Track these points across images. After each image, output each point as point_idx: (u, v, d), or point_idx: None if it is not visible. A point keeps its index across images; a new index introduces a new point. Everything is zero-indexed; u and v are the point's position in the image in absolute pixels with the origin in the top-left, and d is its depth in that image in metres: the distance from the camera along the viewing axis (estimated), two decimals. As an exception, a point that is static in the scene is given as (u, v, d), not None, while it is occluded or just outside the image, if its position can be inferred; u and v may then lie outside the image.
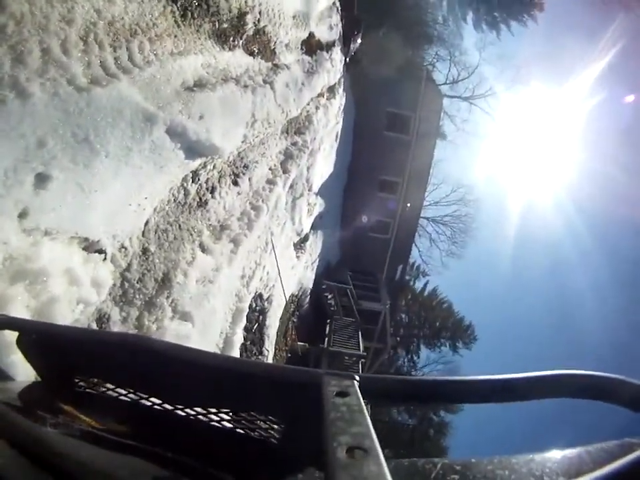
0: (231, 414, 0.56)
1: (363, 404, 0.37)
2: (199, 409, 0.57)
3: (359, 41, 11.44)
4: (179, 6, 3.27)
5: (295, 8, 5.51)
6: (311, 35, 6.59)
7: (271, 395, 0.49)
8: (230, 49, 3.96)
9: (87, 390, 0.66)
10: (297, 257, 8.55)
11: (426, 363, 23.87)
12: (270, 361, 6.70)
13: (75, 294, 1.98)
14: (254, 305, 5.89)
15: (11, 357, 1.44)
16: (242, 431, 0.56)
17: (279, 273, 6.49)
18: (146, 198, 2.81)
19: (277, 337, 7.39)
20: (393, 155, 13.11)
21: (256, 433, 0.55)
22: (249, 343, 5.78)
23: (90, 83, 2.22)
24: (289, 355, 9.14)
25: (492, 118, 21.44)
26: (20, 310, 1.73)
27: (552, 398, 0.43)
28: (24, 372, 1.33)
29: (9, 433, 0.43)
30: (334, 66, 8.14)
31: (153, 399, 0.59)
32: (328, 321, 10.59)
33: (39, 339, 0.62)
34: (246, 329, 5.51)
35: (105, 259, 2.48)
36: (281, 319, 7.52)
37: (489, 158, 21.14)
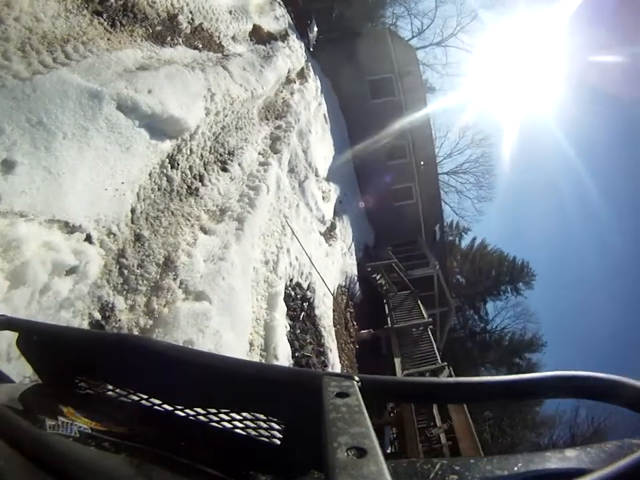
0: (231, 414, 0.56)
1: (363, 404, 0.37)
2: (199, 410, 0.57)
3: (315, 29, 11.65)
4: (105, 17, 3.50)
5: (227, 3, 5.71)
6: (257, 26, 6.78)
7: (271, 396, 0.49)
8: (171, 46, 4.14)
9: (87, 391, 0.66)
10: (329, 244, 8.43)
11: (495, 314, 23.34)
12: (336, 356, 6.58)
13: (51, 257, 2.00)
14: (293, 294, 5.83)
15: (11, 357, 1.47)
16: (242, 432, 0.56)
17: (309, 258, 6.38)
18: (123, 183, 2.88)
19: (337, 330, 7.22)
20: (389, 120, 12.86)
21: (256, 434, 0.55)
22: (298, 331, 5.67)
23: (32, 75, 2.38)
24: (357, 346, 8.82)
25: (470, 52, 20.71)
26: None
27: (554, 398, 0.41)
28: (24, 372, 1.33)
29: (8, 434, 0.42)
30: (293, 52, 8.29)
31: (153, 400, 0.60)
32: (384, 300, 10.20)
33: (39, 340, 0.63)
34: (291, 318, 5.43)
35: (91, 242, 2.51)
36: (335, 311, 7.37)
37: (480, 91, 20.10)
